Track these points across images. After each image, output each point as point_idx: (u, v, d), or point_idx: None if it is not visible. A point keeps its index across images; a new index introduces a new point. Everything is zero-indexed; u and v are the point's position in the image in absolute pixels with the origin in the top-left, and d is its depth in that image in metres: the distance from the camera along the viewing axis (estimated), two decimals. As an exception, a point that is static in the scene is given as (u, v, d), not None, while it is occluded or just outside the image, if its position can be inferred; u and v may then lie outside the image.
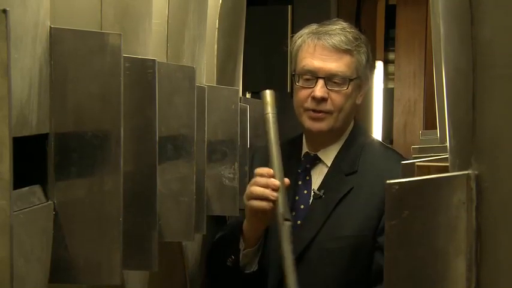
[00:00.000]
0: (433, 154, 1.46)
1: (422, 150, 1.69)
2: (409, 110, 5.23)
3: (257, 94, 3.49)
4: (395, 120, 5.25)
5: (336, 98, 1.93)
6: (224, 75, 2.17)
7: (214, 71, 2.06)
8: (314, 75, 1.94)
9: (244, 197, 1.90)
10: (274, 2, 4.43)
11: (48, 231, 1.02)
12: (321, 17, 2.57)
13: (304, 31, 2.01)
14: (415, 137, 4.46)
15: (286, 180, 1.86)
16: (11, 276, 0.77)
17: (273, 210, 1.83)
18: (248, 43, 2.58)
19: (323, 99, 1.92)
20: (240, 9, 2.43)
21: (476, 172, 0.66)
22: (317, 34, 1.96)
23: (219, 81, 2.08)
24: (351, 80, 1.93)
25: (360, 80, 1.98)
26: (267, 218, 1.88)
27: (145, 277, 1.54)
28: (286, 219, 1.79)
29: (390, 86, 5.52)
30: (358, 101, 2.02)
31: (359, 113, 5.03)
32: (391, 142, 5.12)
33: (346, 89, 1.93)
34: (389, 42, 5.37)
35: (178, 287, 1.95)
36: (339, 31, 1.96)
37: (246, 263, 1.97)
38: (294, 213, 1.93)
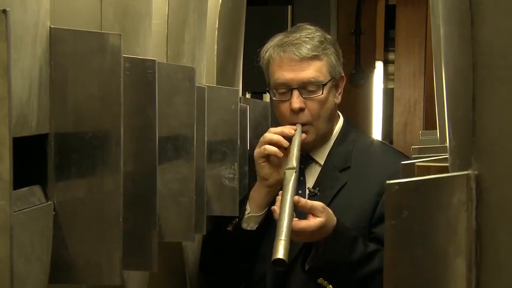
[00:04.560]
0: (433, 154, 1.46)
1: (422, 151, 1.68)
2: (409, 110, 5.22)
3: (257, 94, 3.50)
4: (395, 120, 5.25)
5: (313, 106, 1.96)
6: (224, 75, 2.16)
7: (214, 71, 2.06)
8: (288, 87, 1.96)
9: (257, 148, 1.97)
10: (274, 2, 4.43)
11: (48, 231, 1.02)
12: (321, 17, 2.57)
13: (270, 44, 2.02)
14: (415, 137, 4.46)
15: (303, 135, 1.94)
16: (11, 276, 0.77)
17: (284, 160, 1.87)
18: (248, 43, 2.58)
19: (301, 110, 1.94)
20: (240, 9, 2.43)
21: (476, 172, 0.66)
22: (282, 46, 1.97)
23: (219, 82, 2.08)
24: (324, 84, 1.95)
25: (334, 80, 1.99)
26: (277, 173, 1.93)
27: (145, 277, 1.54)
28: (292, 168, 1.80)
29: (390, 86, 5.51)
30: (337, 100, 2.04)
31: (359, 113, 5.05)
32: (391, 142, 5.12)
33: (321, 95, 1.95)
34: (389, 43, 5.36)
35: (178, 287, 1.95)
36: (304, 38, 1.96)
37: (245, 227, 1.99)
38: None
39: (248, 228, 1.99)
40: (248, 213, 1.99)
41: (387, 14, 5.23)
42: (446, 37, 0.76)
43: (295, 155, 1.85)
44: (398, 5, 5.21)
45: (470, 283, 0.66)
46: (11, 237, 0.77)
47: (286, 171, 1.79)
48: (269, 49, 2.01)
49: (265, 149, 1.93)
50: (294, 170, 1.78)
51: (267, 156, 1.94)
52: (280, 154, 1.91)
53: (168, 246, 1.69)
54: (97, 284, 1.08)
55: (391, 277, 0.69)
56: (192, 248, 1.98)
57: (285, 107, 1.97)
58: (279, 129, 1.95)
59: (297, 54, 1.94)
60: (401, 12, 5.19)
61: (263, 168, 1.95)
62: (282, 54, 1.96)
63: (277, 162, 1.94)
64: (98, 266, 1.06)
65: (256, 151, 1.96)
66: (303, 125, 1.96)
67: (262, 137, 1.96)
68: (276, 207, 1.76)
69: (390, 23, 5.24)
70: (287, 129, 1.93)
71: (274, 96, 2.00)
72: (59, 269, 1.04)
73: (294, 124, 1.95)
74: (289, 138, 1.92)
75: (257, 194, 1.99)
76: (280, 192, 1.76)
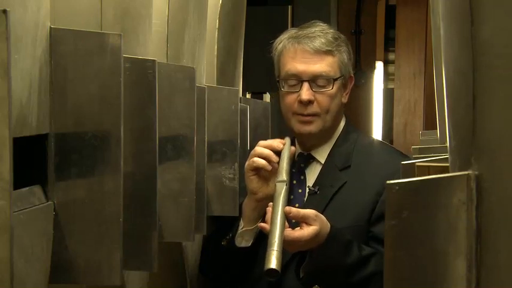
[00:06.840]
0: (433, 154, 1.46)
1: (422, 151, 1.69)
2: (409, 110, 5.23)
3: (257, 94, 3.50)
4: (396, 120, 5.25)
5: (322, 99, 1.96)
6: (224, 75, 2.17)
7: (214, 71, 2.06)
8: (298, 79, 1.96)
9: (247, 161, 1.98)
10: (274, 2, 4.43)
11: (48, 231, 1.02)
12: (321, 17, 2.57)
13: (284, 36, 2.03)
14: (415, 137, 4.46)
15: (293, 148, 1.97)
16: (11, 276, 0.77)
17: (273, 174, 1.89)
18: (248, 43, 2.58)
19: (310, 102, 1.95)
20: (240, 9, 2.43)
21: (476, 172, 0.66)
22: (297, 38, 1.98)
23: (219, 82, 2.08)
24: (335, 79, 1.96)
25: (344, 79, 2.01)
26: (266, 187, 1.94)
27: (145, 277, 1.54)
28: (283, 181, 1.83)
29: (390, 86, 5.52)
30: (344, 100, 2.05)
31: (359, 113, 5.05)
32: (391, 142, 5.12)
33: (331, 89, 1.96)
34: (390, 43, 5.37)
35: (178, 287, 1.95)
36: (319, 33, 1.98)
37: (240, 242, 1.99)
38: None
39: (242, 245, 1.99)
40: (242, 228, 1.99)
41: (387, 14, 5.24)
42: (446, 37, 0.76)
43: (284, 168, 1.87)
44: (398, 5, 5.22)
45: (470, 283, 0.66)
46: (11, 238, 0.77)
47: (277, 184, 1.83)
48: (283, 40, 2.02)
49: (253, 161, 1.94)
50: (285, 183, 1.82)
51: (257, 170, 1.95)
52: (269, 167, 1.92)
53: (168, 246, 1.70)
54: (97, 284, 1.08)
55: (391, 277, 0.69)
56: (192, 248, 1.98)
57: (292, 98, 1.97)
58: (267, 142, 1.96)
59: (311, 46, 1.96)
60: (401, 12, 5.19)
61: (252, 182, 1.96)
62: (296, 45, 1.98)
63: (267, 176, 1.94)
64: (98, 266, 1.06)
65: (246, 164, 1.97)
66: (310, 115, 1.96)
67: (252, 151, 1.96)
68: (262, 224, 1.79)
69: (390, 23, 5.24)
70: (275, 143, 1.95)
71: (283, 87, 2.00)
72: (59, 269, 1.04)
73: (301, 115, 1.96)
74: (278, 153, 1.93)
75: (247, 208, 1.99)
76: (271, 204, 1.78)
